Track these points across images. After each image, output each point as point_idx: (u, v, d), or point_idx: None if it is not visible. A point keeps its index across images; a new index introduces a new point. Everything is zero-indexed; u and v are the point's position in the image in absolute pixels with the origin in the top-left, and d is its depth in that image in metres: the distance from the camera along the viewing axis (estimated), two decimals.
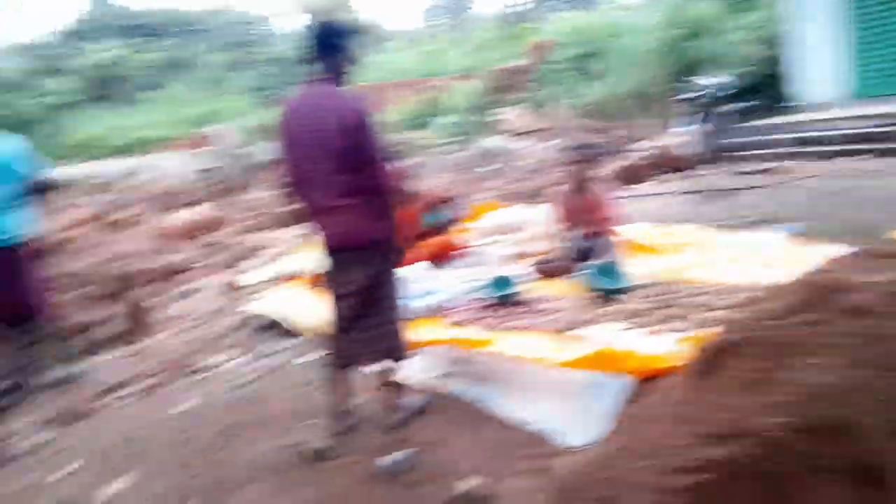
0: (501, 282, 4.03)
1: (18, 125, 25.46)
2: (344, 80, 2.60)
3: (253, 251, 6.53)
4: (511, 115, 14.95)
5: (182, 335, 4.59)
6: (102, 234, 7.68)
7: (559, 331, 3.46)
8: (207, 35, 33.76)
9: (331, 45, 2.55)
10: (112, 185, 16.07)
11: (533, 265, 4.65)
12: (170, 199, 11.34)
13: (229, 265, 6.22)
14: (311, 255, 5.15)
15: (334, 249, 2.63)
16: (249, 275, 5.24)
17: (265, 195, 10.76)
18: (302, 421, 3.02)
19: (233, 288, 5.30)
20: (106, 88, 29.31)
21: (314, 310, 4.03)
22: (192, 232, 7.44)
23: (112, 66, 29.60)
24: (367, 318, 2.65)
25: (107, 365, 4.35)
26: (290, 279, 5.07)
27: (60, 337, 4.31)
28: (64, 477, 2.87)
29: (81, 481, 2.81)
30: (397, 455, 2.59)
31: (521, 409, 2.91)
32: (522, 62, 16.74)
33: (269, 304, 4.51)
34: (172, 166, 15.59)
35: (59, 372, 4.13)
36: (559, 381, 2.91)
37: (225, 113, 20.97)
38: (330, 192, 2.51)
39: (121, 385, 3.86)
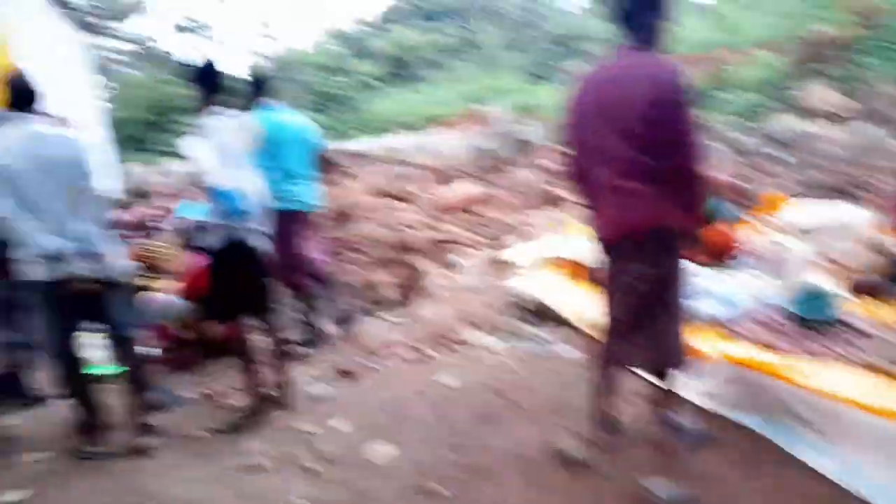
0: (812, 297, 3.28)
1: (331, 101, 29.82)
2: (658, 46, 2.29)
3: (519, 230, 6.55)
4: (816, 93, 12.79)
5: (447, 306, 4.76)
6: (386, 203, 8.44)
7: (882, 369, 2.74)
8: (496, 15, 35.25)
9: (645, 4, 2.26)
10: (398, 157, 17.80)
11: (846, 279, 3.81)
12: (445, 174, 12.08)
13: (495, 241, 6.34)
14: (578, 240, 4.97)
15: (615, 237, 2.35)
16: (514, 252, 5.25)
17: (534, 174, 10.83)
18: (561, 419, 2.86)
19: (497, 264, 5.36)
20: (403, 69, 32.53)
21: (581, 300, 3.82)
22: (462, 206, 7.78)
23: (409, 49, 32.66)
24: (645, 318, 2.33)
25: (379, 328, 4.70)
26: (555, 263, 4.94)
27: (342, 297, 4.78)
28: (331, 430, 3.11)
29: (349, 439, 3.02)
30: (671, 487, 2.27)
31: (829, 456, 2.36)
32: (839, 30, 14.13)
33: (535, 286, 4.42)
34: (450, 143, 16.66)
35: (338, 330, 4.58)
36: (880, 432, 2.29)
37: (501, 91, 21.63)
38: (622, 171, 2.23)
39: (389, 350, 4.13)
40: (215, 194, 2.79)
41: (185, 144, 2.80)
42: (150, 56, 23.53)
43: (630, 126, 2.16)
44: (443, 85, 28.96)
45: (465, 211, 7.76)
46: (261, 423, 3.23)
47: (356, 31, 36.83)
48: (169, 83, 25.56)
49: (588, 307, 2.94)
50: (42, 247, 2.56)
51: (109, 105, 25.08)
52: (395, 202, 8.64)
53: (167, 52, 24.24)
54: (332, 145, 20.89)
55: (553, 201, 8.01)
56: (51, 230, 2.54)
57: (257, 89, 4.06)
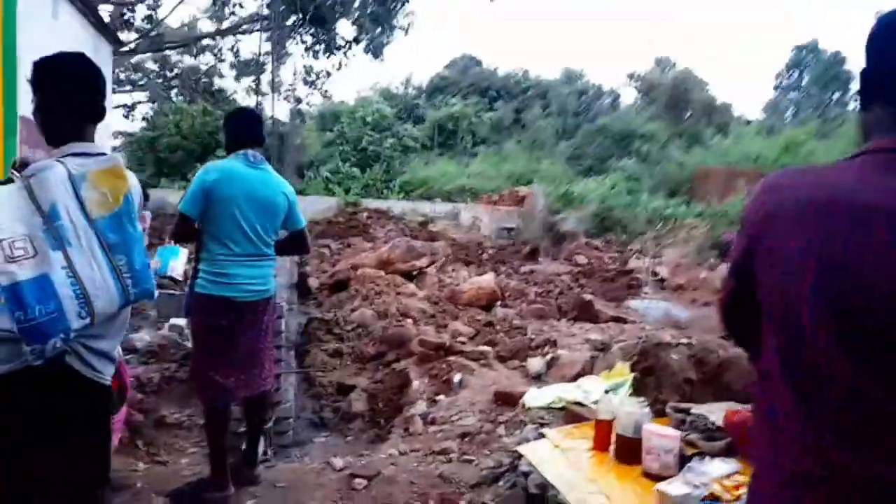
0: None
1: (370, 158, 29.39)
2: None
3: (542, 349, 5.21)
4: None
5: (417, 464, 3.40)
6: (391, 280, 7.23)
7: None
8: (547, 98, 35.03)
9: None
10: (423, 224, 16.77)
11: None
12: (466, 255, 10.90)
13: (509, 360, 5.01)
14: (619, 392, 3.61)
15: None
16: (530, 396, 3.89)
17: (567, 272, 9.55)
18: None
19: (505, 399, 4.02)
20: (447, 139, 32.19)
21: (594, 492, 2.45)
22: (476, 302, 6.51)
23: (456, 120, 32.40)
24: None
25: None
26: (573, 418, 3.58)
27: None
28: None
29: None
30: None
31: None
32: None
33: (543, 458, 3.05)
34: (481, 219, 15.60)
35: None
36: None
37: (544, 176, 20.77)
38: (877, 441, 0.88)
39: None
40: (14, 289, 1.55)
41: None
42: (201, 88, 23.43)
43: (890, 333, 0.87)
44: (486, 161, 28.35)
45: (480, 308, 6.47)
46: None
47: (405, 93, 36.93)
48: (216, 117, 25.48)
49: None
50: None
51: (149, 128, 25.01)
52: (403, 280, 7.43)
53: (220, 89, 24.20)
54: (364, 202, 20.09)
55: (588, 312, 6.68)
56: None
57: (239, 131, 2.89)
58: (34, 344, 1.59)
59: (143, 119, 24.91)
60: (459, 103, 33.57)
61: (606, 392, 3.60)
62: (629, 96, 38.71)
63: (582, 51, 75.63)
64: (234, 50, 21.90)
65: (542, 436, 3.34)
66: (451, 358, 4.81)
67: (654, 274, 9.42)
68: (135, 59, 22.11)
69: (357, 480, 2.96)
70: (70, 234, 1.62)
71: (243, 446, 3.06)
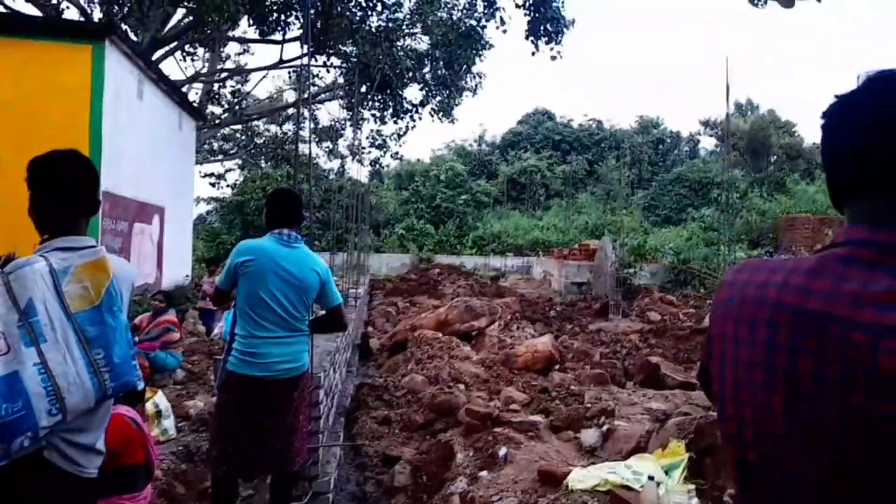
0: None
1: (444, 215, 29.82)
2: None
3: (598, 419, 4.88)
4: None
5: None
6: (448, 342, 7.11)
7: None
8: (622, 149, 34.56)
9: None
10: (496, 279, 16.63)
11: None
12: (533, 310, 10.63)
13: (562, 431, 4.72)
14: (674, 476, 3.30)
15: None
16: (577, 476, 3.60)
17: (636, 330, 9.10)
18: None
19: (550, 480, 3.75)
20: (521, 192, 32.23)
21: None
22: (533, 367, 6.26)
23: (529, 174, 32.46)
24: None
25: None
26: (620, 502, 3.27)
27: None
28: None
29: None
30: None
31: None
32: None
33: None
34: (551, 273, 15.30)
35: None
36: None
37: (619, 228, 20.29)
38: None
39: None
40: None
41: None
42: (285, 154, 24.72)
43: (832, 439, 0.73)
44: (559, 214, 28.10)
45: (536, 372, 6.21)
46: None
47: (477, 149, 37.49)
48: (299, 181, 26.71)
49: None
50: None
51: (237, 193, 26.53)
52: (459, 343, 7.28)
53: (302, 154, 25.37)
54: (437, 258, 20.15)
55: (654, 377, 6.26)
56: None
57: (275, 212, 2.96)
58: (5, 442, 1.59)
59: (230, 186, 26.46)
60: (532, 157, 33.70)
61: (650, 478, 3.28)
62: (707, 144, 37.60)
63: (658, 98, 74.62)
64: (314, 118, 23.04)
65: None
66: (498, 429, 4.59)
67: None
68: (225, 130, 23.75)
69: None
70: (46, 330, 1.64)
71: None
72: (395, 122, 18.91)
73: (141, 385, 1.97)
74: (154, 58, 11.93)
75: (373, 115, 18.81)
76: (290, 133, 25.24)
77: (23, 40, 7.22)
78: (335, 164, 26.37)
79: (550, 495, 3.53)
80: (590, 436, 4.58)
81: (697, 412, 4.39)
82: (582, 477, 3.60)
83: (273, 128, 26.00)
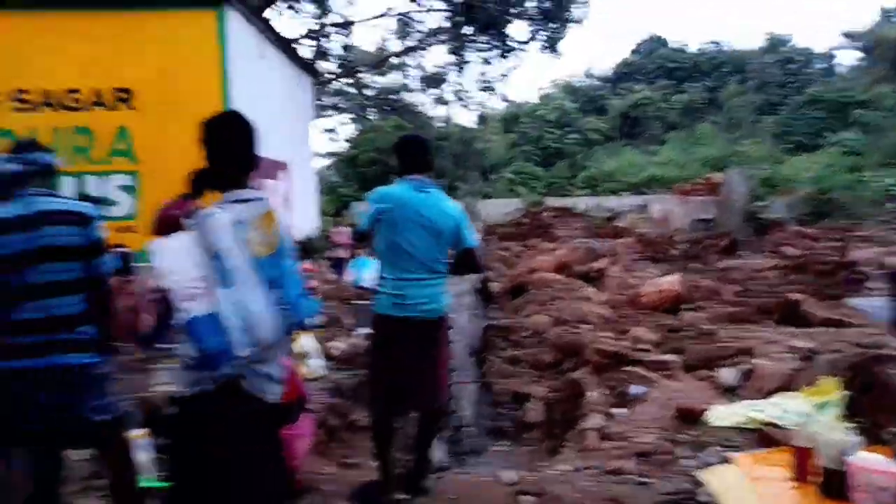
0: None
1: (553, 157, 29.14)
2: None
3: (735, 357, 4.72)
4: None
5: (589, 481, 3.27)
6: (569, 283, 7.07)
7: None
8: (746, 72, 31.84)
9: None
10: (608, 219, 16.21)
11: None
12: (654, 250, 10.29)
13: (696, 370, 4.62)
14: (827, 414, 3.16)
15: None
16: (716, 414, 3.53)
17: (771, 267, 8.57)
18: None
19: (687, 416, 3.71)
20: (634, 127, 30.75)
21: None
22: (661, 306, 6.10)
23: (642, 107, 30.82)
24: None
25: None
26: (766, 441, 3.17)
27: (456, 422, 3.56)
28: None
29: None
30: None
31: None
32: None
33: (732, 490, 2.75)
34: (672, 211, 14.65)
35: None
36: None
37: (745, 159, 18.92)
38: None
39: None
40: (192, 323, 1.79)
41: (156, 250, 1.86)
42: (393, 104, 25.09)
43: None
44: (677, 147, 26.55)
45: (665, 312, 6.06)
46: None
47: (587, 84, 35.87)
48: (407, 130, 27.07)
49: None
50: None
51: (351, 146, 27.38)
52: (581, 283, 7.23)
53: (410, 103, 25.63)
54: (548, 201, 19.90)
55: (795, 314, 5.90)
56: None
57: (407, 159, 3.07)
58: (208, 371, 1.84)
59: (347, 141, 27.28)
60: (645, 88, 31.86)
61: (808, 413, 3.15)
62: (847, 59, 33.68)
63: (788, 12, 67.42)
64: (419, 65, 23.05)
65: (727, 460, 3.04)
66: (630, 367, 4.57)
67: (883, 265, 8.06)
68: (335, 85, 24.37)
69: (524, 497, 2.94)
70: (235, 274, 1.83)
71: (415, 455, 3.19)
72: (501, 62, 18.51)
73: (309, 321, 2.16)
74: (264, 15, 12.37)
75: (478, 57, 18.52)
76: (397, 83, 25.44)
77: (148, 12, 7.66)
78: (441, 110, 26.41)
79: (691, 432, 3.50)
80: (727, 374, 4.44)
81: (850, 350, 4.12)
82: (724, 414, 3.53)
83: (380, 79, 26.30)
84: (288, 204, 10.30)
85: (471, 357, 5.56)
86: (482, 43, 17.76)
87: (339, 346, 5.51)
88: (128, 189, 7.47)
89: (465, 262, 3.16)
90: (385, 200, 2.95)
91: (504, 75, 19.38)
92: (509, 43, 18.32)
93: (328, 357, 5.25)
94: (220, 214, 1.87)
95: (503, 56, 18.61)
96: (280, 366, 2.03)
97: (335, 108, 26.18)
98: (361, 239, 3.20)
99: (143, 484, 2.63)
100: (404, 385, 2.98)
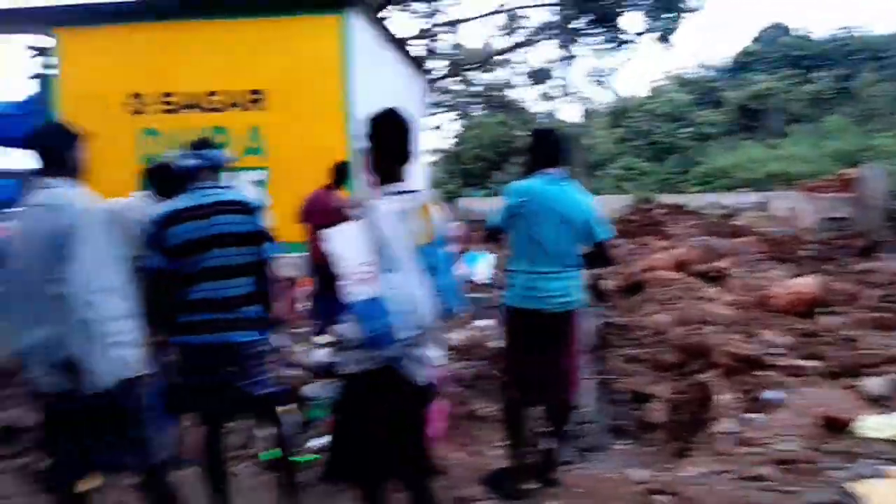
0: None
1: (666, 152, 27.97)
2: None
3: (873, 363, 4.37)
4: None
5: (746, 461, 3.15)
6: (690, 283, 6.80)
7: None
8: (881, 60, 29.08)
9: None
10: (725, 218, 15.37)
11: None
12: (779, 250, 9.67)
13: (838, 377, 4.31)
14: None
15: None
16: (870, 424, 3.29)
17: None
18: None
19: (830, 423, 3.48)
20: (753, 120, 28.93)
21: None
22: (794, 309, 5.72)
23: (763, 98, 28.93)
24: None
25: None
26: None
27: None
28: None
29: None
30: None
31: None
32: None
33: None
34: (798, 210, 13.67)
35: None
36: None
37: (883, 152, 17.32)
38: None
39: None
40: (358, 306, 1.91)
41: (330, 237, 1.99)
42: (498, 101, 25.13)
43: None
44: (803, 141, 24.68)
45: (797, 315, 5.69)
46: None
47: (701, 76, 34.00)
48: (511, 126, 27.00)
49: None
50: None
51: (456, 142, 27.71)
52: (702, 283, 6.93)
53: (515, 99, 25.57)
54: (659, 198, 19.19)
55: None
56: None
57: (541, 154, 3.11)
58: (373, 351, 1.96)
59: (452, 137, 27.63)
60: (767, 79, 29.81)
61: None
62: None
63: None
64: (524, 61, 22.93)
65: (884, 474, 2.83)
66: (762, 372, 4.35)
67: None
68: (442, 82, 24.72)
69: (657, 497, 2.89)
70: (399, 261, 1.94)
71: (544, 447, 3.21)
72: (612, 56, 18.04)
73: (458, 309, 2.25)
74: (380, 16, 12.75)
75: (589, 51, 18.15)
76: (501, 80, 25.37)
77: (277, 18, 8.10)
78: (546, 106, 26.07)
79: (838, 442, 3.29)
80: (875, 384, 4.12)
81: None
82: (877, 425, 3.29)
83: (485, 75, 26.36)
84: None
85: (589, 354, 5.50)
86: (594, 36, 17.39)
87: (455, 337, 5.63)
88: (259, 184, 7.98)
89: (598, 255, 3.14)
90: (521, 194, 2.99)
91: (615, 69, 18.87)
92: (622, 35, 17.83)
93: (449, 348, 5.38)
94: (386, 205, 1.99)
95: (615, 49, 18.14)
96: (431, 350, 2.13)
97: (442, 105, 26.58)
98: (495, 234, 3.24)
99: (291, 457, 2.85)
100: (535, 376, 3.02)
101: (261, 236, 2.58)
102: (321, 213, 5.56)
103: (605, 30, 17.10)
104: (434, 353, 2.13)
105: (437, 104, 26.02)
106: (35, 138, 2.30)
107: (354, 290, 1.91)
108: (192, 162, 2.57)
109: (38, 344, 2.08)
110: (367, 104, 8.60)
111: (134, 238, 2.47)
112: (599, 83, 20.33)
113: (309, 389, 3.93)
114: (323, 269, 5.21)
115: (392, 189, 2.07)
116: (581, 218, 3.01)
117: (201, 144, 2.67)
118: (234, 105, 8.00)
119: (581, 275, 3.10)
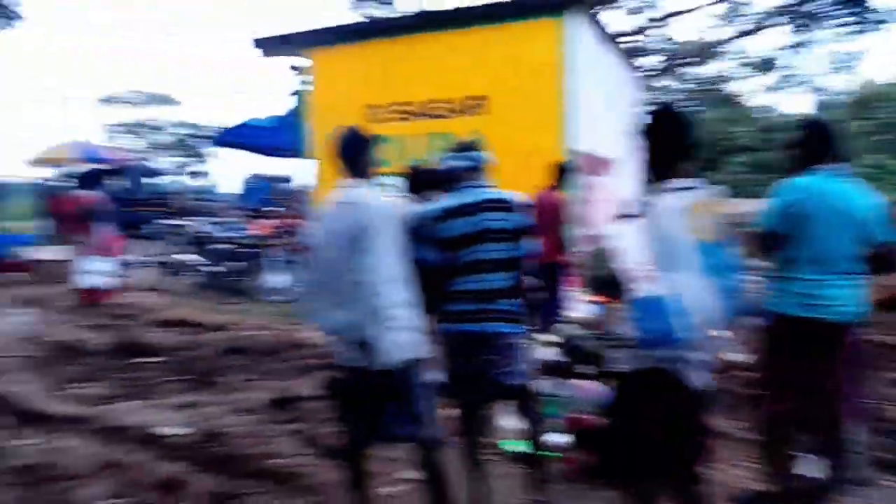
0: None
1: None
2: None
3: None
4: None
5: None
6: None
7: None
8: None
9: None
10: None
11: None
12: None
13: None
14: None
15: None
16: None
17: None
18: None
19: None
20: None
21: None
22: None
23: None
24: None
25: None
26: None
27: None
28: None
29: None
30: None
31: None
32: None
33: None
34: None
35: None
36: None
37: None
38: None
39: None
40: (639, 304, 1.90)
41: (615, 231, 1.99)
42: (715, 95, 23.43)
43: None
44: None
45: None
46: None
47: None
48: (730, 122, 24.97)
49: None
50: None
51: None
52: None
53: (732, 93, 23.67)
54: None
55: None
56: None
57: (815, 147, 2.83)
58: (650, 350, 1.94)
59: None
60: None
61: None
62: None
63: None
64: (743, 52, 21.02)
65: None
66: None
67: None
68: (655, 78, 23.59)
69: None
70: (682, 259, 1.89)
71: (808, 474, 2.92)
72: (856, 39, 15.79)
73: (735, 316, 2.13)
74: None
75: (829, 34, 16.09)
76: (717, 73, 23.53)
77: (498, 25, 8.33)
78: (769, 98, 23.64)
79: None
80: None
81: None
82: None
83: (699, 70, 24.63)
84: (614, 200, 10.34)
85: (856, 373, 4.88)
86: (836, 17, 15.38)
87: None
88: None
89: (885, 258, 2.78)
90: (798, 192, 2.75)
91: (861, 53, 16.50)
92: (871, 15, 15.53)
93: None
94: (667, 201, 1.96)
95: (861, 32, 15.87)
96: (710, 354, 2.04)
97: (656, 103, 25.32)
98: (770, 243, 2.85)
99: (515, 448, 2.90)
100: (805, 391, 2.75)
101: (522, 233, 2.69)
102: (548, 214, 5.65)
103: (851, 10, 15.01)
104: (710, 359, 2.04)
105: (650, 102, 24.90)
106: (336, 145, 2.64)
107: (636, 287, 1.90)
108: (459, 163, 2.76)
109: (340, 324, 2.39)
110: (584, 105, 8.55)
111: (407, 233, 2.73)
112: (839, 70, 17.87)
113: (542, 386, 4.00)
114: (546, 269, 5.28)
115: (673, 185, 2.03)
116: (868, 217, 2.70)
117: (466, 147, 2.85)
118: (458, 111, 8.43)
119: (865, 282, 2.77)
